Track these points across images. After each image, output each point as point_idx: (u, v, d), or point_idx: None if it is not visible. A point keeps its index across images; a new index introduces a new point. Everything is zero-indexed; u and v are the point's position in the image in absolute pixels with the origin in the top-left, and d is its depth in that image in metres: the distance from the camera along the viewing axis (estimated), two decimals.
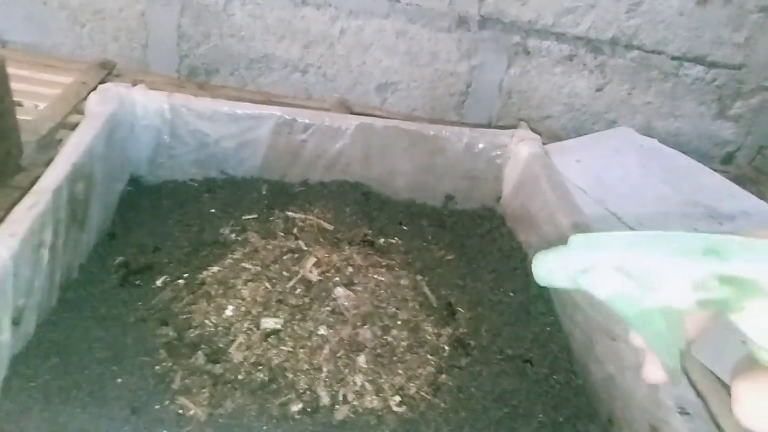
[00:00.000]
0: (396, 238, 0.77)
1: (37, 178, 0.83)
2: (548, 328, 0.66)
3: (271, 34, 1.18)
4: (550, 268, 0.32)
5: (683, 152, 1.17)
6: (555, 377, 0.61)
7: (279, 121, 0.79)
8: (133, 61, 1.19)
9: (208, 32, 1.17)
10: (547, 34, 1.20)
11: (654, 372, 0.31)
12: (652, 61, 1.21)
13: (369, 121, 0.81)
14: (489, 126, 1.27)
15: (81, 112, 0.97)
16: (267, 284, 0.62)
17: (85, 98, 1.01)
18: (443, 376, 0.59)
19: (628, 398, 0.52)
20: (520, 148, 0.82)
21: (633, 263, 0.29)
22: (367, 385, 0.55)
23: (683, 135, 1.30)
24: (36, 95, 1.01)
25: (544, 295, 0.71)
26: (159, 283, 0.64)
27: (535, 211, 0.76)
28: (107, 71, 1.12)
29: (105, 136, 0.68)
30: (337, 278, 0.64)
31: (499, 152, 0.84)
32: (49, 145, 0.88)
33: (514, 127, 1.10)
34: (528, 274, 0.75)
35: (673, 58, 1.21)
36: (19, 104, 0.94)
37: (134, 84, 0.78)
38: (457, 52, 1.22)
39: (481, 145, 0.83)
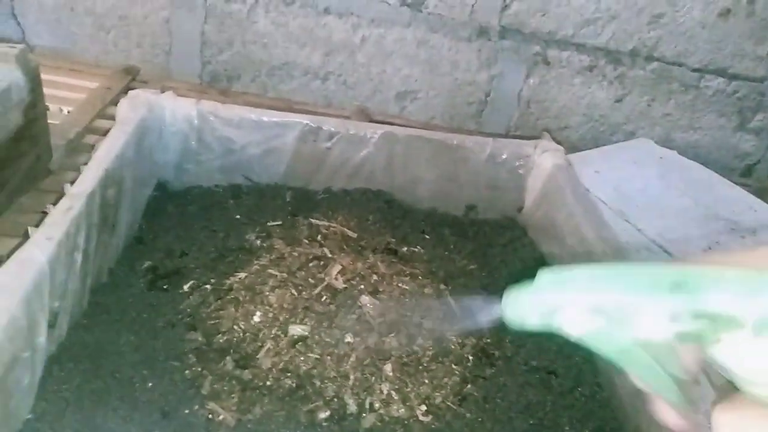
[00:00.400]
0: (419, 247, 0.77)
1: (66, 181, 0.84)
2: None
3: (293, 41, 1.20)
4: (520, 310, 0.32)
5: (703, 164, 1.17)
6: (580, 389, 0.61)
7: (304, 129, 0.80)
8: (156, 67, 1.20)
9: (231, 39, 1.19)
10: (567, 44, 1.20)
11: (660, 409, 0.30)
12: (673, 72, 1.21)
13: (393, 130, 0.82)
14: (507, 135, 1.28)
15: (106, 117, 0.99)
16: (293, 291, 0.62)
17: (110, 103, 1.02)
18: (468, 386, 0.59)
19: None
20: (544, 158, 0.83)
21: (604, 300, 0.28)
22: (394, 394, 0.55)
23: (703, 147, 1.30)
24: (61, 99, 1.02)
25: None
26: (186, 288, 0.64)
27: (559, 222, 0.76)
28: (131, 77, 1.14)
29: (135, 142, 0.69)
30: (362, 286, 0.65)
31: (521, 162, 0.85)
32: (77, 149, 0.90)
33: (532, 136, 1.10)
34: None
35: (694, 70, 1.20)
36: (47, 107, 0.95)
37: (162, 91, 0.79)
38: (476, 61, 1.22)
39: (504, 156, 0.84)
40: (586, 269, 0.29)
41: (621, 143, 1.24)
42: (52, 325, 0.51)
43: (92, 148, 0.92)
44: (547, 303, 0.30)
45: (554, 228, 0.77)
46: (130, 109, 0.72)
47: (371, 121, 1.13)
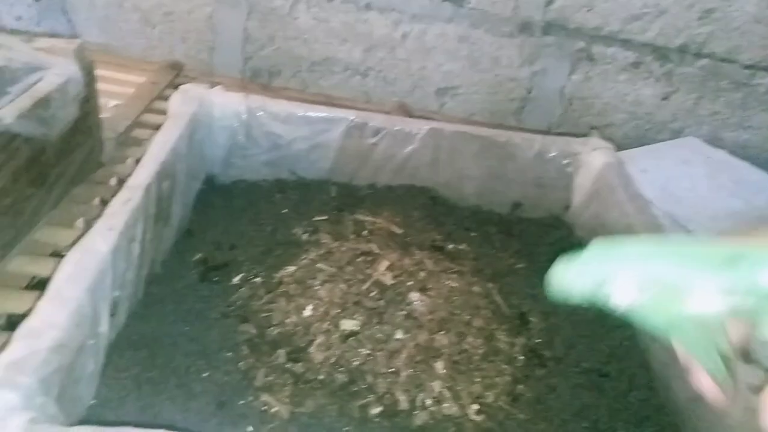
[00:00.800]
0: (464, 244, 0.76)
1: (116, 173, 0.86)
2: (625, 342, 0.65)
3: (334, 37, 1.20)
4: (569, 280, 0.32)
5: (753, 165, 1.13)
6: (634, 393, 0.59)
7: (350, 125, 0.80)
8: (200, 62, 1.22)
9: (273, 35, 1.19)
10: (613, 40, 1.17)
11: (700, 380, 0.30)
12: (723, 69, 1.17)
13: (438, 127, 0.81)
14: (548, 132, 1.26)
15: (153, 111, 1.00)
16: (343, 285, 0.62)
17: (156, 98, 1.04)
18: (520, 386, 0.58)
19: (718, 421, 0.51)
20: (594, 156, 0.81)
21: (656, 272, 0.28)
22: (445, 392, 0.55)
23: (753, 147, 1.25)
24: (109, 93, 1.04)
25: None
26: (236, 280, 0.65)
27: (610, 222, 0.74)
28: (176, 72, 1.16)
29: (187, 136, 0.70)
30: (410, 283, 0.64)
31: (570, 160, 0.83)
32: (125, 142, 0.92)
33: (574, 134, 1.08)
34: None
35: (746, 67, 1.16)
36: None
37: (212, 86, 0.80)
38: (518, 57, 1.21)
39: (552, 153, 0.82)
40: (639, 242, 0.29)
41: (668, 142, 1.21)
42: (112, 314, 0.52)
43: (140, 141, 0.94)
44: (598, 273, 0.31)
45: (604, 228, 0.75)
46: (182, 104, 0.73)
47: (411, 116, 1.12)
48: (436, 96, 1.26)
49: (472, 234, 0.80)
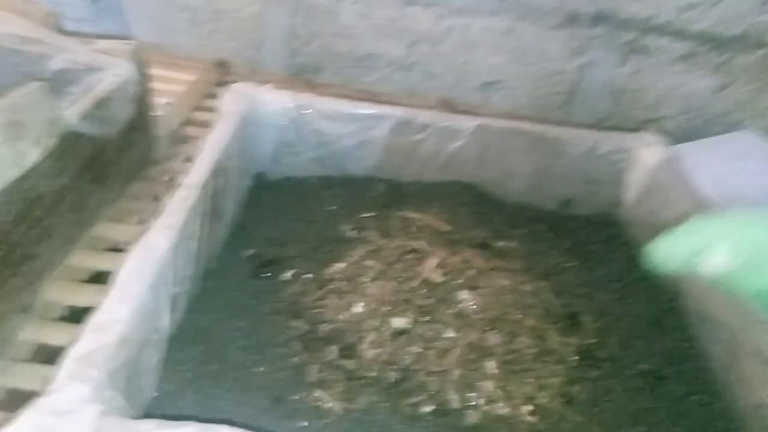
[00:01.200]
0: (513, 242, 0.75)
1: (170, 170, 0.89)
2: (683, 344, 0.63)
3: (377, 32, 1.19)
4: (667, 252, 0.33)
5: None
6: (693, 398, 0.57)
7: (397, 121, 0.80)
8: (247, 60, 1.23)
9: (318, 31, 1.20)
10: (666, 30, 1.13)
11: None
12: None
13: (486, 123, 0.80)
14: (596, 127, 1.22)
15: (204, 109, 1.03)
16: (392, 283, 0.63)
17: (206, 96, 1.06)
18: (574, 387, 0.57)
19: None
20: (647, 153, 0.79)
21: (755, 242, 0.29)
22: (498, 392, 0.55)
23: None
24: (161, 92, 1.07)
25: (676, 308, 0.68)
26: (288, 276, 0.66)
27: (665, 220, 0.72)
28: (224, 70, 1.18)
29: (238, 135, 0.71)
30: (460, 280, 0.64)
31: (622, 156, 0.81)
32: (177, 140, 0.94)
33: (623, 128, 1.05)
34: (657, 286, 0.72)
35: None
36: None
37: (261, 84, 0.81)
38: (565, 49, 1.18)
39: (604, 149, 0.80)
40: (738, 213, 0.30)
41: (722, 135, 1.16)
42: (173, 309, 0.53)
43: (191, 138, 0.96)
44: (696, 243, 0.32)
45: (660, 226, 0.73)
46: (233, 102, 0.74)
47: (455, 111, 1.11)
48: (480, 90, 1.24)
49: (521, 231, 0.79)
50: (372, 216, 0.77)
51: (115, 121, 0.71)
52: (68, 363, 0.40)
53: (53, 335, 0.60)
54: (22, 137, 0.54)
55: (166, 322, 0.51)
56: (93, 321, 0.43)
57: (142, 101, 0.78)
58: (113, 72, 0.70)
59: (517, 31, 1.16)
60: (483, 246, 0.72)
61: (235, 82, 0.80)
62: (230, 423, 0.39)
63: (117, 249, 0.72)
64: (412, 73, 1.23)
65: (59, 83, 0.67)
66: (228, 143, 0.67)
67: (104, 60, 0.72)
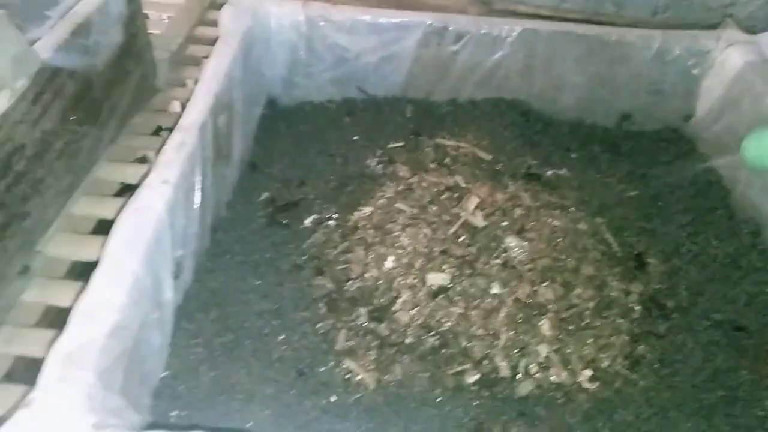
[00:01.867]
0: (564, 169, 0.65)
1: (174, 98, 0.79)
2: (766, 289, 0.54)
3: None
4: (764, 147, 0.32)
5: None
6: None
7: (427, 30, 0.68)
8: None
9: None
10: None
11: None
12: None
13: (534, 27, 0.67)
14: (653, 18, 1.06)
15: (207, 24, 0.91)
16: (427, 230, 0.54)
17: (210, 6, 0.94)
18: (640, 346, 0.50)
19: None
20: (729, 54, 0.65)
21: None
22: (553, 356, 0.48)
23: None
24: (158, 5, 0.95)
25: (758, 245, 0.58)
26: (308, 222, 0.59)
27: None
28: None
29: (242, 58, 0.61)
30: (505, 223, 0.56)
31: (696, 60, 0.68)
32: (181, 62, 0.84)
33: (681, 23, 0.89)
34: (731, 216, 0.62)
35: None
36: (146, 17, 0.89)
37: None
38: None
39: (675, 52, 0.67)
40: None
41: None
42: (176, 276, 0.47)
43: (197, 59, 0.86)
44: None
45: (740, 142, 0.61)
46: (234, 19, 0.63)
47: (492, 11, 0.96)
48: None
49: (573, 155, 0.68)
50: (400, 146, 0.67)
51: (100, 50, 0.61)
52: (52, 363, 0.34)
53: (60, 295, 0.55)
54: None
55: (168, 295, 0.45)
56: (79, 309, 0.37)
57: (131, 21, 0.67)
58: None
59: None
60: (530, 177, 0.63)
61: None
62: (248, 400, 0.33)
63: (123, 193, 0.66)
64: None
65: (27, 7, 0.58)
66: (229, 70, 0.58)
67: None
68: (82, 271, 0.63)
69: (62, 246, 0.59)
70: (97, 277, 0.39)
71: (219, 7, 0.94)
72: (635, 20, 0.79)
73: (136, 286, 0.39)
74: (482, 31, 0.67)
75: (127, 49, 0.67)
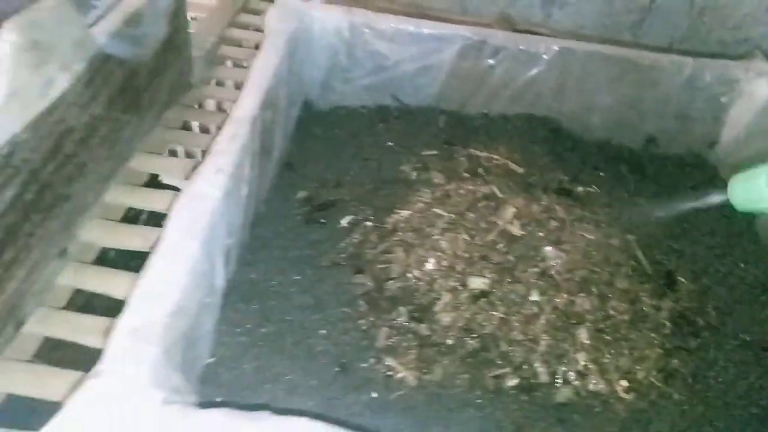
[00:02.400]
0: (594, 186, 0.67)
1: (206, 96, 0.80)
2: None
3: None
4: (754, 191, 0.34)
5: None
6: None
7: (466, 43, 0.69)
8: None
9: None
10: None
11: None
12: None
13: (571, 46, 0.69)
14: (670, 49, 1.09)
15: (238, 26, 0.92)
16: (465, 236, 0.55)
17: (241, 9, 0.95)
18: (673, 360, 0.51)
19: None
20: (758, 84, 0.67)
21: None
22: (590, 365, 0.48)
23: None
24: (190, 4, 0.96)
25: None
26: (345, 222, 0.59)
27: None
28: None
29: (287, 58, 0.62)
30: (541, 234, 0.56)
31: (725, 89, 0.70)
32: (214, 60, 0.85)
33: (701, 52, 0.92)
34: (757, 241, 0.64)
35: None
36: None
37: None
38: None
39: (705, 79, 0.69)
40: None
41: None
42: (225, 264, 0.47)
43: (227, 59, 0.87)
44: None
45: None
46: (280, 20, 0.64)
47: (515, 30, 0.99)
48: (542, 6, 1.10)
49: (602, 174, 0.70)
50: (434, 154, 0.68)
51: (148, 41, 0.62)
52: (119, 337, 0.34)
53: (88, 280, 0.55)
54: (47, 61, 0.46)
55: (221, 281, 0.45)
56: (142, 287, 0.37)
57: (176, 16, 0.68)
58: None
59: None
60: (562, 192, 0.64)
61: None
62: (291, 391, 0.34)
63: (155, 184, 0.66)
64: None
65: None
66: (276, 69, 0.58)
67: None
68: (111, 258, 0.63)
69: (94, 232, 0.59)
70: (156, 259, 0.39)
71: (250, 10, 0.96)
72: (652, 50, 0.82)
73: (194, 270, 0.40)
74: (519, 47, 0.69)
75: (170, 43, 0.68)
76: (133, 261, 0.54)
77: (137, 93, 0.64)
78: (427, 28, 0.68)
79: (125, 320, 0.35)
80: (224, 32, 0.90)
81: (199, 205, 0.43)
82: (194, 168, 0.52)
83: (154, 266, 0.39)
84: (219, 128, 0.52)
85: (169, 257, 0.39)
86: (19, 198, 0.46)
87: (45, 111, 0.47)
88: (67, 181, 0.53)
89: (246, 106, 0.53)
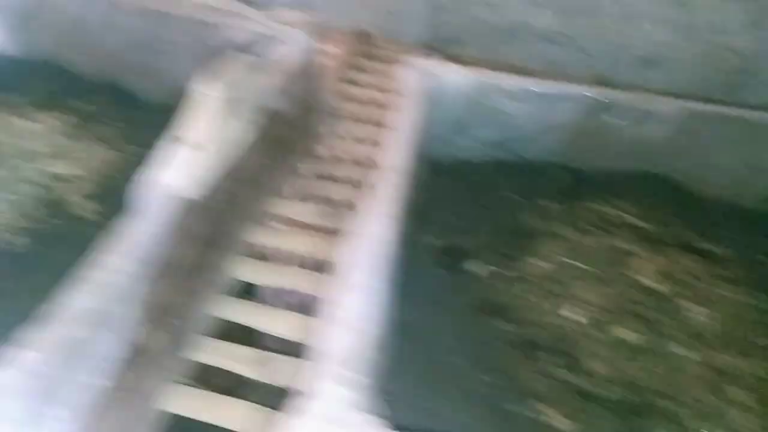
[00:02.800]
0: (722, 246, 0.67)
1: (335, 149, 0.85)
2: None
3: (527, 2, 1.10)
4: None
5: None
6: None
7: (589, 102, 0.72)
8: (385, 31, 1.18)
9: (459, 1, 1.12)
10: None
11: None
12: None
13: (695, 107, 0.71)
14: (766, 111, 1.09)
15: (350, 82, 0.98)
16: (604, 288, 0.56)
17: (351, 67, 1.02)
18: None
19: None
20: None
21: None
22: (747, 424, 0.48)
23: None
24: None
25: None
26: (477, 268, 0.61)
27: None
28: (366, 41, 1.13)
29: (420, 114, 0.66)
30: (682, 290, 0.57)
31: None
32: (334, 114, 0.90)
33: None
34: None
35: None
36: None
37: (441, 58, 0.75)
38: (740, 21, 1.03)
39: None
40: None
41: None
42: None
43: (341, 114, 0.92)
44: None
45: None
46: (414, 79, 0.69)
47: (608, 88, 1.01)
48: (637, 67, 1.12)
49: (726, 232, 0.70)
50: (556, 206, 0.70)
51: (301, 96, 0.68)
52: (328, 365, 0.37)
53: (232, 312, 0.59)
54: (240, 115, 0.52)
55: (386, 315, 0.48)
56: (339, 318, 0.40)
57: (317, 75, 0.74)
58: (295, 44, 0.67)
59: (688, 1, 1.04)
60: (692, 249, 0.64)
61: (380, 55, 0.74)
62: None
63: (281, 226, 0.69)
64: (559, 47, 1.13)
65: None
66: (414, 124, 0.63)
67: (284, 30, 0.68)
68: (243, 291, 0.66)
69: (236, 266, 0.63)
70: (351, 291, 0.42)
71: (356, 67, 1.02)
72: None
73: (378, 302, 0.43)
74: (642, 107, 0.71)
75: (313, 100, 0.74)
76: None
77: (285, 143, 0.69)
78: (553, 88, 0.72)
79: (330, 349, 0.38)
80: (340, 88, 0.96)
81: (374, 245, 0.47)
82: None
83: (347, 301, 0.42)
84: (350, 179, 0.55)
85: (360, 292, 0.42)
86: (201, 235, 0.51)
87: (236, 158, 0.52)
88: (239, 222, 0.58)
89: (397, 157, 0.57)
